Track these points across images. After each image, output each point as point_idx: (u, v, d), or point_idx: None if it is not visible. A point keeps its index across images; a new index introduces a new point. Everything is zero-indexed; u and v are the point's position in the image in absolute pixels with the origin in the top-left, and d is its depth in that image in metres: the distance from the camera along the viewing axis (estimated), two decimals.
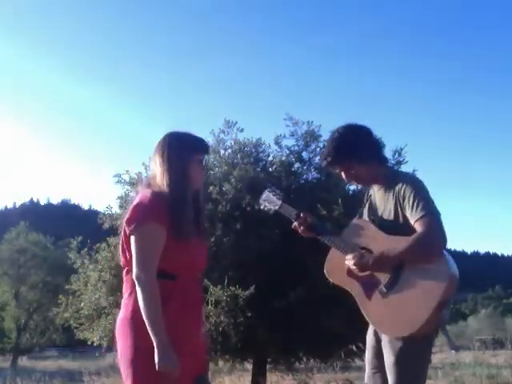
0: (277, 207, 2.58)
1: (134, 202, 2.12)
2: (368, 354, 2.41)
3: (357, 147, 2.36)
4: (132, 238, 2.05)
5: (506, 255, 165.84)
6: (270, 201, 2.61)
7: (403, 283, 2.14)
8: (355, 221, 2.47)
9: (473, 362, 13.23)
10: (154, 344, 1.95)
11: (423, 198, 2.19)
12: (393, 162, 6.25)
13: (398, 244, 2.16)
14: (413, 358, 2.17)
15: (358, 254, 2.27)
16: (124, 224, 2.10)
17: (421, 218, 2.14)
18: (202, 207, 2.28)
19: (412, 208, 2.17)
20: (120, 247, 2.17)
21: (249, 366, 7.95)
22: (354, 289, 2.31)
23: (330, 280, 2.44)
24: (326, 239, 2.42)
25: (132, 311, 2.06)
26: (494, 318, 43.64)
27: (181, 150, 2.16)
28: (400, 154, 6.27)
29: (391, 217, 2.28)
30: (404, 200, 2.22)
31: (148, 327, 1.97)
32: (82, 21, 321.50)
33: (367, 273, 2.25)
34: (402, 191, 2.24)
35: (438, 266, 2.08)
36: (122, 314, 2.11)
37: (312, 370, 9.21)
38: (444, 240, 2.13)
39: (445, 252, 2.13)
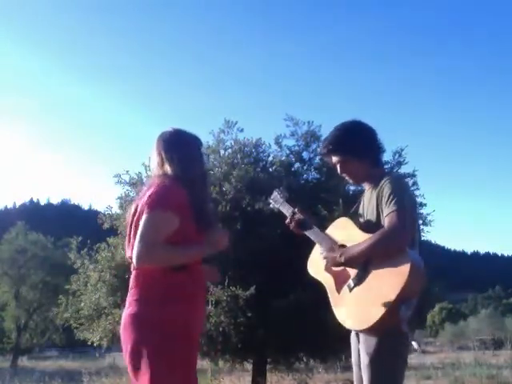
0: (278, 205, 2.71)
1: (150, 190, 2.09)
2: (354, 356, 2.41)
3: (360, 143, 2.38)
4: (143, 217, 2.02)
5: (505, 255, 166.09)
6: (275, 200, 2.75)
7: (369, 278, 2.16)
8: (339, 218, 2.51)
9: (473, 362, 13.25)
10: (201, 252, 2.18)
11: (398, 195, 2.19)
12: (393, 162, 6.27)
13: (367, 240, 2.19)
14: (386, 358, 2.16)
15: (329, 247, 2.33)
16: (138, 209, 2.08)
17: (389, 213, 2.16)
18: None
19: (386, 204, 2.20)
20: (128, 241, 2.14)
21: (249, 366, 7.95)
22: (328, 283, 2.35)
23: (309, 272, 2.48)
24: (310, 235, 2.49)
25: (141, 306, 2.03)
26: (494, 318, 43.61)
27: (179, 140, 2.21)
28: (400, 155, 6.30)
29: (374, 215, 2.30)
30: (382, 198, 2.24)
31: (185, 260, 2.08)
32: (83, 23, 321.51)
33: (341, 268, 2.28)
34: (381, 189, 2.27)
35: (398, 262, 2.07)
36: (131, 310, 2.06)
37: (312, 370, 9.21)
38: (404, 236, 2.11)
39: (408, 250, 2.11)
